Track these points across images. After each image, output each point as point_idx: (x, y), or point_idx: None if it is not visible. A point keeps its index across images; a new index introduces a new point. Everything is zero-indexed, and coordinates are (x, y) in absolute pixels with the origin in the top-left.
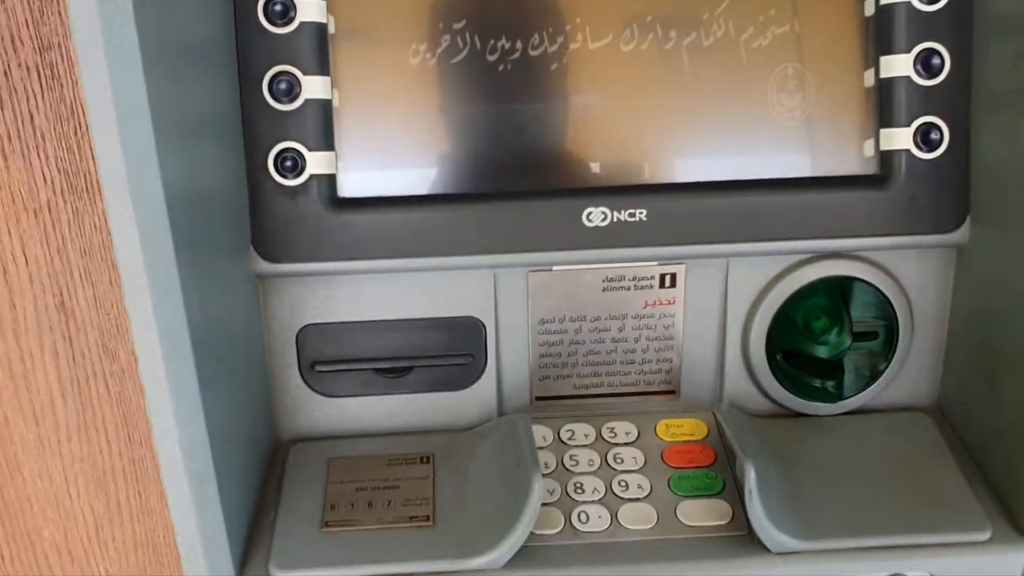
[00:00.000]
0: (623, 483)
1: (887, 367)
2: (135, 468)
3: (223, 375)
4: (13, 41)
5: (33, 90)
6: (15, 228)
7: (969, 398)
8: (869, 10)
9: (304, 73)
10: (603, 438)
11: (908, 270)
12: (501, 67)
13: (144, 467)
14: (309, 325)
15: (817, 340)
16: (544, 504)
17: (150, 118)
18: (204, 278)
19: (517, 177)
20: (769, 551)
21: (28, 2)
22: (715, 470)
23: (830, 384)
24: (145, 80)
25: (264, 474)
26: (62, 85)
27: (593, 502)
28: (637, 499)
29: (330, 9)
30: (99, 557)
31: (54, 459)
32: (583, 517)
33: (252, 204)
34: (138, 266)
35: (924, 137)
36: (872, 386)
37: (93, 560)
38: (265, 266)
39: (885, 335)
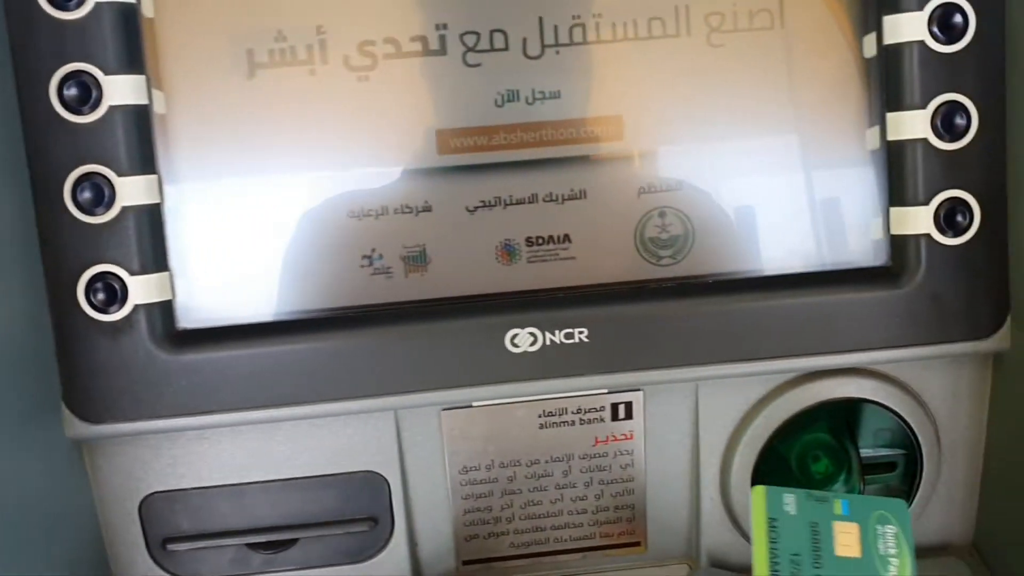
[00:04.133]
0: None
1: (910, 504)
2: None
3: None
4: None
5: None
6: None
7: (1010, 537)
8: (869, 51)
9: (119, 173)
10: None
11: (932, 385)
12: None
13: None
14: (154, 494)
15: (817, 490)
16: None
17: None
18: None
19: (415, 288)
20: None
21: None
22: None
23: None
24: None
25: None
26: None
27: None
28: None
29: (157, 83)
30: None
31: None
32: None
33: (59, 349)
34: None
35: (948, 218)
36: None
37: None
38: (83, 428)
39: (906, 465)
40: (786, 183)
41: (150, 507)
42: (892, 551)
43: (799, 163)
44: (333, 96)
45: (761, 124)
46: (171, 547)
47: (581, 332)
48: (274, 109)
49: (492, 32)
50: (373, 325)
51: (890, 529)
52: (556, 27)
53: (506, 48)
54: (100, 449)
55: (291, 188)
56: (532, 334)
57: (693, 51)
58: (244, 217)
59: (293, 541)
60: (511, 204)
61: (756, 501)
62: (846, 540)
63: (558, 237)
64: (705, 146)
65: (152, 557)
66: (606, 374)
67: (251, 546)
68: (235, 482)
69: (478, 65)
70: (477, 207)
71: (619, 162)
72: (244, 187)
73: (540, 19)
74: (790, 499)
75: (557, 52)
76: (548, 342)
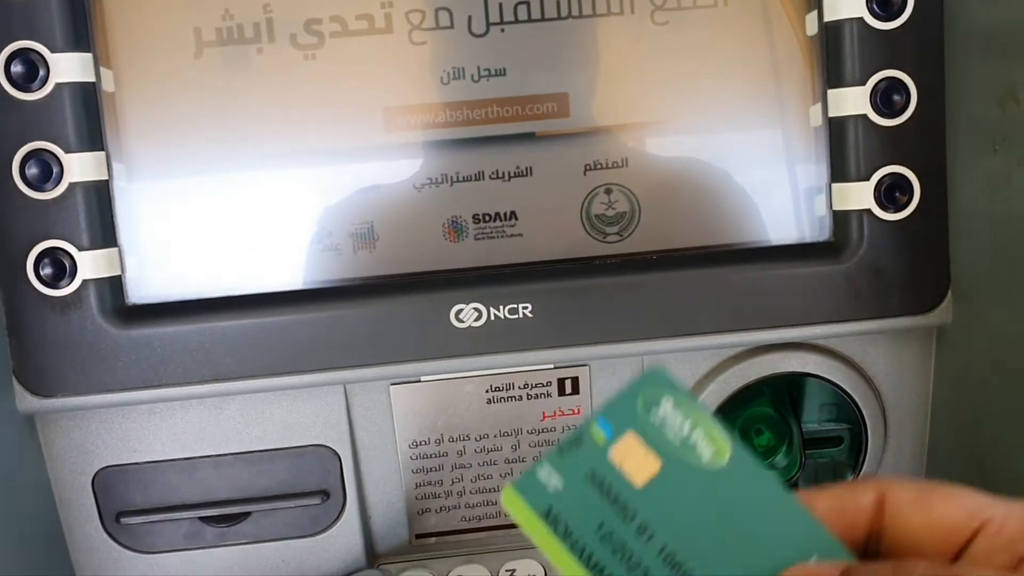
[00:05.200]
0: None
1: (856, 478)
2: None
3: None
4: None
5: None
6: None
7: None
8: (811, 28)
9: (67, 150)
10: None
11: (876, 360)
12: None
13: None
14: (107, 468)
15: None
16: None
17: None
18: None
19: (364, 264)
20: None
21: None
22: None
23: None
24: None
25: None
26: None
27: None
28: None
29: (104, 61)
30: None
31: None
32: None
33: (10, 324)
34: None
35: (888, 193)
36: None
37: None
38: (34, 402)
39: (851, 440)
40: (731, 160)
41: (103, 481)
42: (685, 429)
43: (744, 140)
44: (280, 75)
45: (706, 102)
46: (124, 521)
47: (525, 307)
48: (221, 87)
49: (437, 10)
50: (322, 301)
51: (666, 405)
52: (501, 5)
53: (451, 26)
54: (53, 423)
55: (238, 166)
56: (476, 309)
57: (638, 29)
58: (193, 194)
59: (246, 515)
60: (458, 181)
61: (513, 509)
62: (633, 461)
63: (505, 214)
64: (651, 123)
65: (106, 531)
66: (551, 349)
67: (204, 520)
68: (187, 456)
69: (423, 43)
70: (424, 184)
71: (565, 139)
72: (192, 165)
73: None
74: (545, 472)
75: (502, 30)
76: (492, 317)
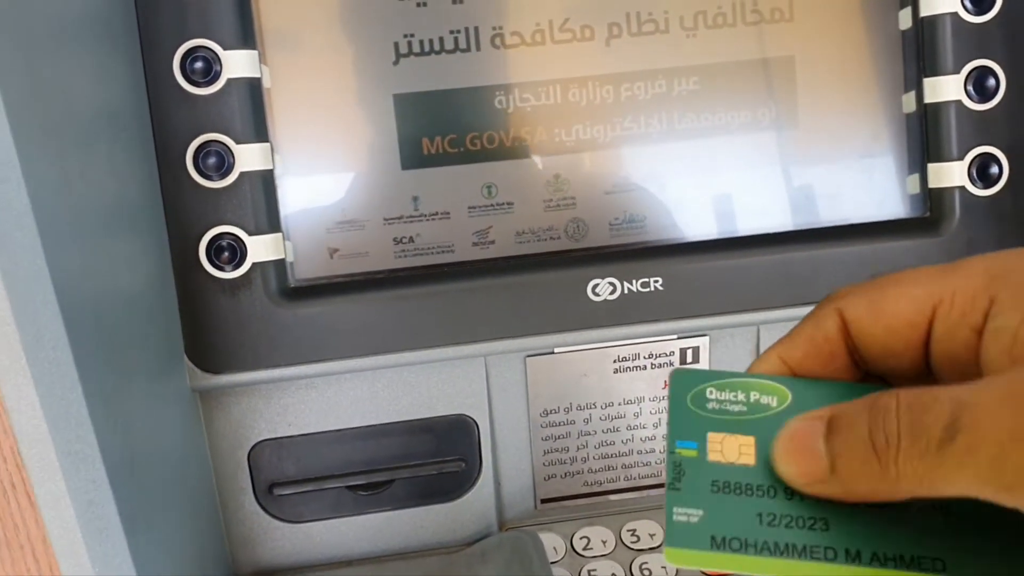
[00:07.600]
0: None
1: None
2: None
3: (152, 512)
4: None
5: None
6: None
7: None
8: (904, 23)
9: (237, 141)
10: (624, 543)
11: None
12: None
13: None
14: (263, 441)
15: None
16: None
17: (32, 212)
18: (118, 403)
19: (505, 244)
20: None
21: None
22: None
23: None
24: (21, 167)
25: None
26: None
27: None
28: None
29: (264, 59)
30: None
31: None
32: None
33: (183, 305)
34: (30, 404)
35: (981, 171)
36: None
37: None
38: (205, 379)
39: None
40: (828, 146)
41: (258, 454)
42: (742, 398)
43: (840, 128)
44: (427, 69)
45: (820, 100)
46: (277, 491)
47: (656, 281)
48: (369, 81)
49: (583, 27)
50: (468, 278)
51: (711, 394)
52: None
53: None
54: (215, 398)
55: (383, 154)
56: (612, 284)
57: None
58: (341, 182)
59: (388, 482)
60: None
61: (685, 563)
62: (732, 450)
63: None
64: (750, 115)
65: (258, 501)
66: (678, 320)
67: (350, 488)
68: (335, 428)
69: (564, 42)
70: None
71: None
72: (341, 153)
73: None
74: (679, 514)
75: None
76: (626, 291)
